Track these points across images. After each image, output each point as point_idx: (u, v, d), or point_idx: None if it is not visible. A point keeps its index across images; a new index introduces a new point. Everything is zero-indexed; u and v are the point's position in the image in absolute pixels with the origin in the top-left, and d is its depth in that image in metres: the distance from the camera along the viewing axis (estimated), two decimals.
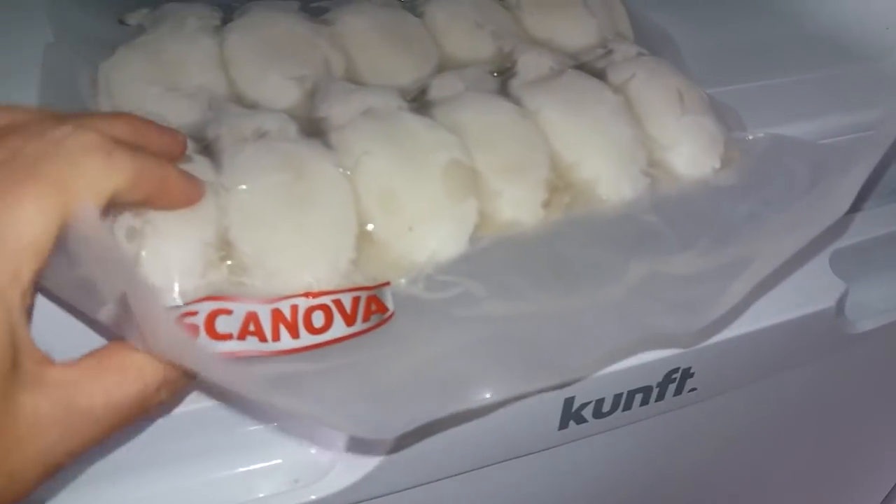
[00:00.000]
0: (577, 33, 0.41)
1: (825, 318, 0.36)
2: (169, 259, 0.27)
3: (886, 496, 0.66)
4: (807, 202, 0.31)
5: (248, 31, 0.38)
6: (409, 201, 0.31)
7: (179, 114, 0.34)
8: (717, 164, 0.35)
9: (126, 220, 0.27)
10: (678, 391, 0.34)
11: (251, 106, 0.35)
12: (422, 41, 0.40)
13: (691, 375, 0.34)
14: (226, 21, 0.40)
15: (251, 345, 0.25)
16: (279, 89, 0.36)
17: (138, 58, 0.36)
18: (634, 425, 0.37)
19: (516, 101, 0.36)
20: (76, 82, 0.35)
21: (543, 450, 0.34)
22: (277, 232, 0.29)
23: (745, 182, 0.34)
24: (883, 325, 0.39)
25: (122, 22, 0.41)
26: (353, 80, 0.38)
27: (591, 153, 0.34)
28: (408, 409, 0.25)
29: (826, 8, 0.49)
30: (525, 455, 0.35)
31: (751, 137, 0.36)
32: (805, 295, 0.36)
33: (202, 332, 0.25)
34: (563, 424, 0.33)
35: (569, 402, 0.32)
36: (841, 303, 0.36)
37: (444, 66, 0.40)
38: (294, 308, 0.27)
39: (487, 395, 0.25)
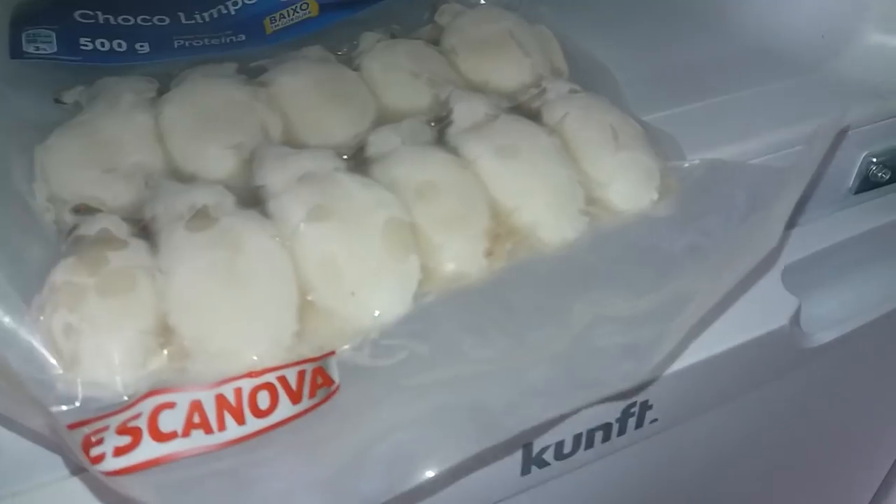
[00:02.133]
0: (511, 74, 0.42)
1: (781, 337, 0.36)
2: (108, 353, 0.27)
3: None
4: (742, 232, 0.31)
5: (182, 102, 0.38)
6: (349, 265, 0.31)
7: (116, 195, 0.34)
8: (655, 196, 0.35)
9: (62, 315, 0.27)
10: (639, 424, 0.34)
11: (189, 179, 0.35)
12: (359, 95, 0.40)
13: (650, 407, 0.34)
14: (162, 91, 0.40)
15: (197, 440, 0.25)
16: (216, 160, 0.36)
17: (73, 140, 0.36)
18: (604, 459, 0.37)
19: (453, 151, 0.36)
20: (13, 170, 0.35)
21: (510, 497, 0.34)
22: (217, 313, 0.29)
23: (683, 212, 0.34)
24: (840, 335, 0.40)
25: (58, 101, 0.41)
26: (292, 140, 0.38)
27: (530, 198, 0.34)
28: (355, 492, 0.24)
29: (761, 21, 0.49)
30: None
31: (687, 165, 0.37)
32: (758, 315, 0.36)
33: (146, 436, 0.25)
34: (526, 470, 0.33)
35: (527, 447, 0.32)
36: (795, 319, 0.36)
37: (382, 117, 0.40)
38: (238, 391, 0.27)
39: (433, 474, 0.25)
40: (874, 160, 0.44)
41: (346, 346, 0.29)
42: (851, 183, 0.45)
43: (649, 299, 0.30)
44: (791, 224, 0.42)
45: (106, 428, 0.25)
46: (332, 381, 0.28)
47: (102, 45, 0.45)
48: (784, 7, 0.48)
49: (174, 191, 0.33)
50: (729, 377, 0.37)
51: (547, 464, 0.34)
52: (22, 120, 0.38)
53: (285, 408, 0.27)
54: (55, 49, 0.43)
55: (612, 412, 0.34)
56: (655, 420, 0.36)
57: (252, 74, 0.42)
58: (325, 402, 0.28)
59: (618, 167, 0.35)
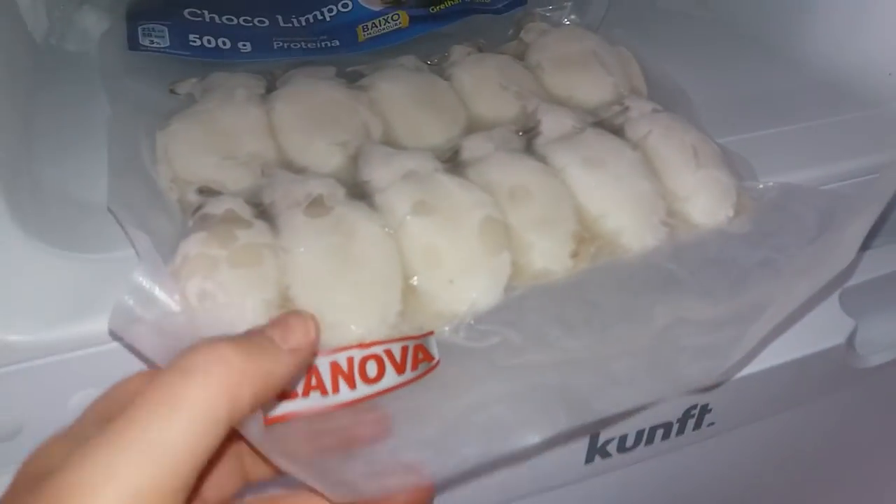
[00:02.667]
0: (594, 91, 0.45)
1: (836, 355, 0.38)
2: (237, 318, 0.30)
3: None
4: (816, 249, 0.34)
5: (293, 100, 0.41)
6: (449, 256, 0.34)
7: (236, 181, 0.37)
8: (731, 213, 0.37)
9: (197, 282, 0.30)
10: (697, 426, 0.37)
11: (300, 171, 0.38)
12: (451, 104, 0.44)
13: (709, 411, 0.36)
14: (269, 89, 0.44)
15: (315, 401, 0.28)
16: (325, 155, 0.39)
17: (194, 128, 0.39)
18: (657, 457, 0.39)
19: (542, 159, 0.39)
20: (139, 151, 0.39)
21: (571, 483, 0.37)
22: (333, 289, 0.32)
23: (757, 230, 0.37)
24: (892, 359, 0.42)
25: (172, 91, 0.45)
26: (391, 142, 0.41)
27: (615, 206, 0.37)
28: (456, 453, 0.27)
29: (829, 56, 0.52)
30: (554, 488, 0.37)
31: (761, 186, 0.39)
32: (816, 333, 0.38)
33: None
34: (590, 459, 0.35)
35: (594, 438, 0.34)
36: (850, 339, 0.39)
37: (472, 126, 0.43)
38: (350, 360, 0.30)
39: (531, 441, 0.27)
40: None
41: (445, 329, 0.32)
42: None
43: (727, 306, 0.33)
44: None
45: None
46: (432, 358, 0.31)
47: (209, 41, 0.48)
48: (851, 44, 0.50)
49: (290, 180, 0.36)
50: (784, 389, 0.39)
51: (609, 455, 0.37)
52: (139, 107, 0.42)
53: (391, 377, 0.30)
54: (168, 43, 0.47)
55: (674, 412, 0.37)
56: (712, 423, 0.38)
57: (349, 78, 0.45)
58: (426, 375, 0.31)
59: (698, 184, 0.38)
